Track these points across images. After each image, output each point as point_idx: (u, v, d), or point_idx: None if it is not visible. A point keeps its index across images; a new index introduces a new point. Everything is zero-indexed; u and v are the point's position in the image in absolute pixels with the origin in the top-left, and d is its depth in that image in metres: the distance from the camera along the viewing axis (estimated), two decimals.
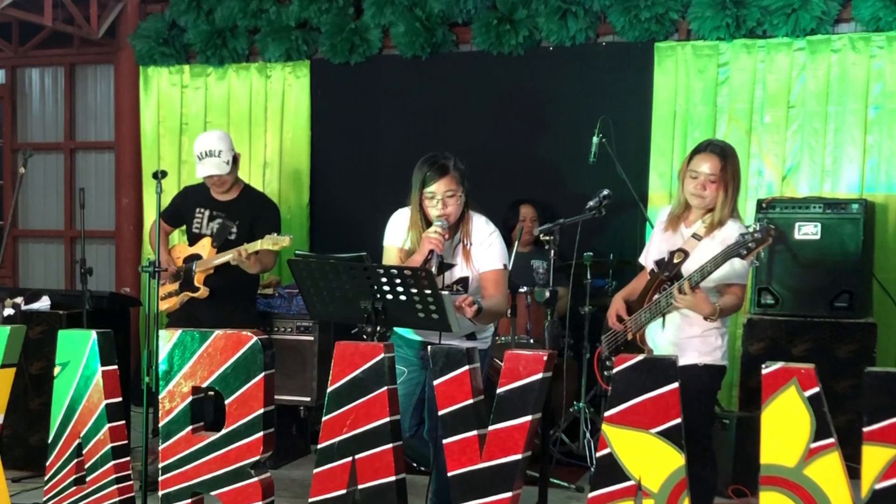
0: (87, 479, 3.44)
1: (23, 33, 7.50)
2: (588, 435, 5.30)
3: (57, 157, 7.71)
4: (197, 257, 5.23)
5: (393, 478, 3.05)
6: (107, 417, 3.40)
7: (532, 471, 3.76)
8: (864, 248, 5.17)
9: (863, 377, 2.54)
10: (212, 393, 3.44)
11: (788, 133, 5.74)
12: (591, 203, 4.72)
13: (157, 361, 3.32)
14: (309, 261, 3.59)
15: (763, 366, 2.62)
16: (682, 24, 5.95)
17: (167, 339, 3.30)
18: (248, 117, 6.85)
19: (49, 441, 3.51)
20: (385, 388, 3.07)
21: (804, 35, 5.65)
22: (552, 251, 4.48)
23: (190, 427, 3.26)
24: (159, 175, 4.68)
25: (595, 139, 5.50)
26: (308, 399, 5.53)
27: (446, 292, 3.49)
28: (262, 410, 3.15)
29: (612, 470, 2.80)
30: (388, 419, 3.05)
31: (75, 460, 3.45)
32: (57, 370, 3.48)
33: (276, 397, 3.26)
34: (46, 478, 3.51)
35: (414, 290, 3.36)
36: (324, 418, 3.14)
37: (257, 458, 3.16)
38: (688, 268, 3.63)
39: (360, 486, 3.08)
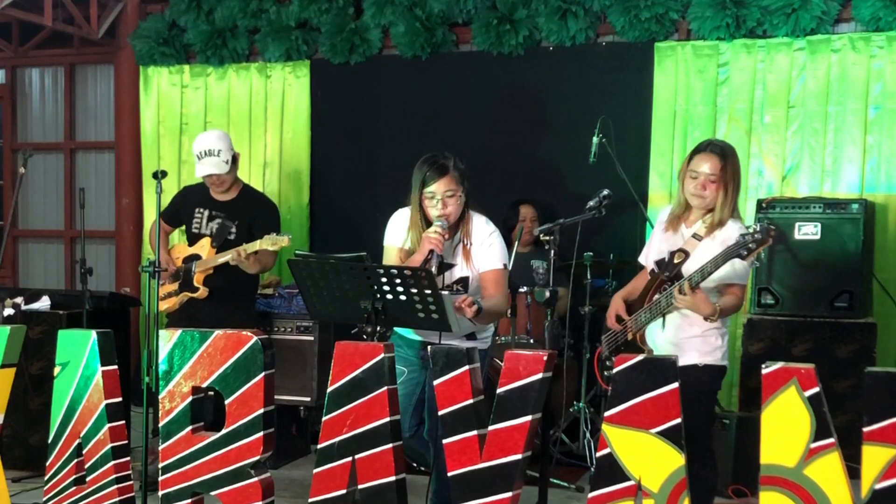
0: (87, 479, 3.44)
1: (23, 33, 7.50)
2: (588, 435, 5.30)
3: (57, 157, 7.71)
4: (196, 257, 5.23)
5: (393, 478, 3.05)
6: (107, 417, 3.40)
7: (532, 471, 3.76)
8: (864, 248, 5.17)
9: (863, 377, 2.54)
10: (212, 393, 3.44)
11: (788, 133, 5.74)
12: (591, 203, 4.72)
13: (157, 361, 3.32)
14: (309, 261, 3.59)
15: (763, 366, 2.62)
16: (682, 24, 5.95)
17: (167, 339, 3.30)
18: (248, 117, 6.85)
19: (49, 441, 3.51)
20: (385, 388, 3.07)
21: (804, 35, 5.65)
22: (552, 251, 4.48)
23: (190, 427, 3.26)
24: (159, 175, 4.68)
25: (595, 139, 5.50)
26: (308, 399, 5.53)
27: (446, 292, 3.49)
28: (262, 410, 3.15)
29: (612, 470, 2.80)
30: (388, 419, 3.05)
31: (75, 460, 3.45)
32: (57, 370, 3.48)
33: (276, 397, 3.26)
34: (46, 478, 3.51)
35: (414, 290, 3.36)
36: (324, 418, 3.14)
37: (257, 458, 3.16)
38: (688, 268, 3.63)
39: (360, 486, 3.08)
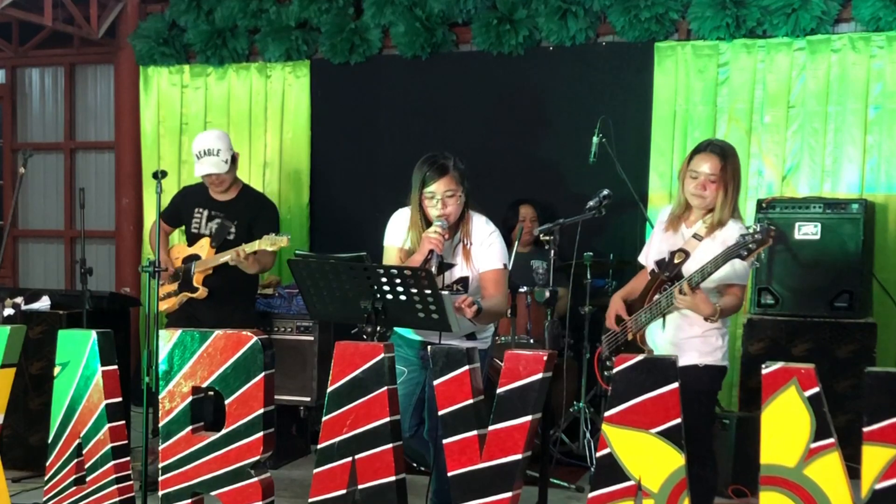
0: (87, 479, 3.44)
1: (23, 33, 7.51)
2: (588, 435, 5.30)
3: (57, 157, 7.71)
4: (196, 258, 5.23)
5: (393, 478, 3.05)
6: (107, 417, 3.40)
7: (532, 471, 3.76)
8: (864, 248, 5.17)
9: (863, 377, 2.54)
10: (212, 393, 3.44)
11: (788, 133, 5.74)
12: (591, 203, 4.72)
13: (157, 361, 3.32)
14: (309, 261, 3.59)
15: (763, 366, 2.62)
16: (682, 24, 5.95)
17: (167, 339, 3.30)
18: (248, 117, 6.85)
19: (49, 441, 3.51)
20: (385, 388, 3.07)
21: (804, 35, 5.65)
22: (552, 251, 4.48)
23: (190, 427, 3.26)
24: (159, 175, 4.68)
25: (595, 139, 5.50)
26: (308, 399, 5.53)
27: (446, 292, 3.49)
28: (262, 410, 3.15)
29: (612, 470, 2.80)
30: (388, 419, 3.05)
31: (75, 460, 3.45)
32: (57, 370, 3.48)
33: (276, 397, 3.26)
34: (46, 478, 3.51)
35: (414, 290, 3.36)
36: (324, 418, 3.14)
37: (257, 458, 3.16)
38: (688, 268, 3.62)
39: (360, 486, 3.08)
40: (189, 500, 3.27)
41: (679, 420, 2.73)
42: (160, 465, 3.30)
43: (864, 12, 5.52)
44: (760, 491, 2.63)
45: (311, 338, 5.53)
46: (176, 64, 7.00)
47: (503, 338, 5.31)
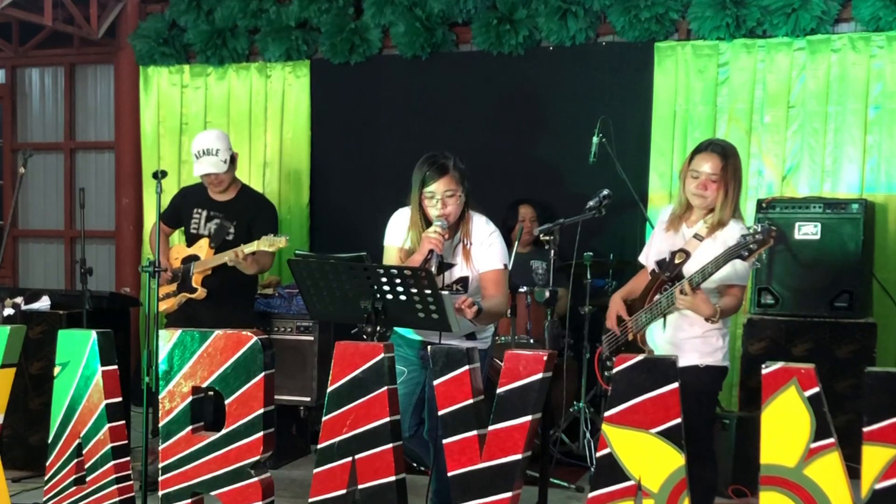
0: (87, 479, 3.44)
1: (23, 33, 7.51)
2: (588, 435, 5.30)
3: (57, 157, 7.71)
4: (194, 258, 5.23)
5: (393, 478, 3.05)
6: (107, 417, 3.41)
7: (532, 471, 3.76)
8: (864, 248, 5.17)
9: (863, 377, 2.54)
10: (212, 393, 3.44)
11: (788, 133, 5.74)
12: (591, 203, 4.72)
13: (157, 361, 3.32)
14: (309, 261, 3.59)
15: (763, 366, 2.62)
16: (682, 24, 5.95)
17: (167, 339, 3.30)
18: (248, 117, 6.85)
19: (49, 441, 3.51)
20: (385, 387, 3.07)
21: (804, 35, 5.64)
22: (552, 251, 4.48)
23: (190, 427, 3.26)
24: (159, 175, 4.67)
25: (595, 139, 5.49)
26: (308, 399, 5.53)
27: (446, 292, 3.49)
28: (262, 410, 3.15)
29: (612, 470, 2.80)
30: (388, 419, 3.05)
31: (75, 460, 3.45)
32: (57, 370, 3.48)
33: (276, 397, 3.26)
34: (46, 478, 3.51)
35: (414, 290, 3.36)
36: (324, 418, 3.14)
37: (257, 458, 3.16)
38: (689, 268, 3.62)
39: (360, 486, 3.08)
40: (189, 500, 3.27)
41: (679, 420, 2.73)
42: (160, 465, 3.30)
43: (864, 12, 5.52)
44: (760, 491, 2.63)
45: (311, 338, 5.53)
46: (176, 64, 7.00)
47: (503, 338, 5.31)
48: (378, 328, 3.40)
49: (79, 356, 3.43)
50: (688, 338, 3.68)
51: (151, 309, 4.91)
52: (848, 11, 5.63)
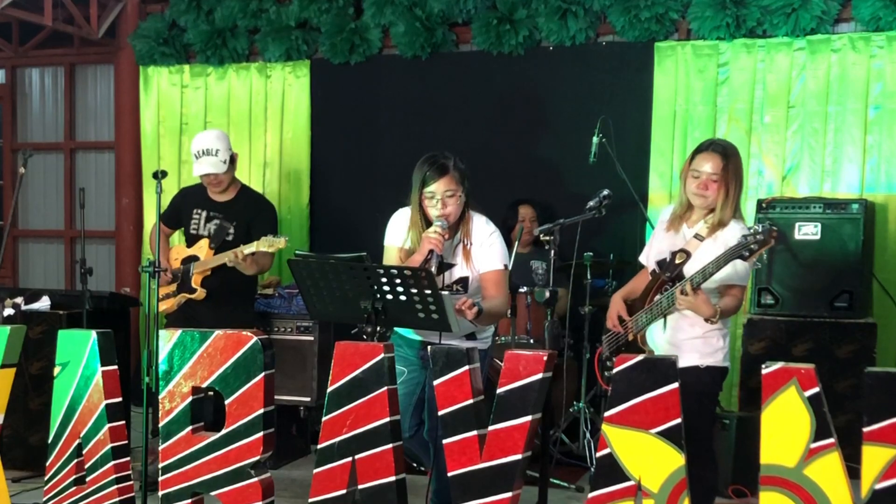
0: (87, 479, 3.44)
1: (23, 33, 7.50)
2: (588, 435, 5.30)
3: (57, 157, 7.71)
4: (194, 259, 5.23)
5: (393, 478, 3.05)
6: (107, 417, 3.41)
7: (532, 471, 3.76)
8: (864, 248, 5.17)
9: (863, 377, 2.54)
10: (212, 393, 3.44)
11: (788, 133, 5.74)
12: (591, 203, 4.71)
13: (157, 361, 3.32)
14: (309, 261, 3.59)
15: (763, 366, 2.62)
16: (682, 24, 5.95)
17: (167, 339, 3.30)
18: (248, 117, 6.85)
19: (49, 441, 3.51)
20: (385, 388, 3.07)
21: (804, 35, 5.64)
22: (552, 251, 4.48)
23: (190, 427, 3.26)
24: (159, 175, 4.67)
25: (595, 139, 5.49)
26: (308, 399, 5.53)
27: (446, 292, 3.49)
28: (262, 410, 3.15)
29: (612, 470, 2.80)
30: (388, 419, 3.05)
31: (75, 460, 3.46)
32: (57, 370, 3.48)
33: (276, 397, 3.26)
34: (46, 478, 3.51)
35: (414, 290, 3.36)
36: (324, 418, 3.14)
37: (257, 458, 3.16)
38: (690, 269, 3.62)
39: (360, 487, 3.08)
40: (189, 500, 3.27)
41: (679, 420, 2.73)
42: (160, 465, 3.30)
43: (864, 12, 5.52)
44: (760, 491, 2.63)
45: (311, 338, 5.53)
46: (176, 64, 7.00)
47: (503, 338, 5.31)
48: (378, 328, 3.40)
49: (79, 356, 3.44)
50: (688, 338, 3.68)
51: (151, 309, 4.91)
52: (848, 11, 5.63)
